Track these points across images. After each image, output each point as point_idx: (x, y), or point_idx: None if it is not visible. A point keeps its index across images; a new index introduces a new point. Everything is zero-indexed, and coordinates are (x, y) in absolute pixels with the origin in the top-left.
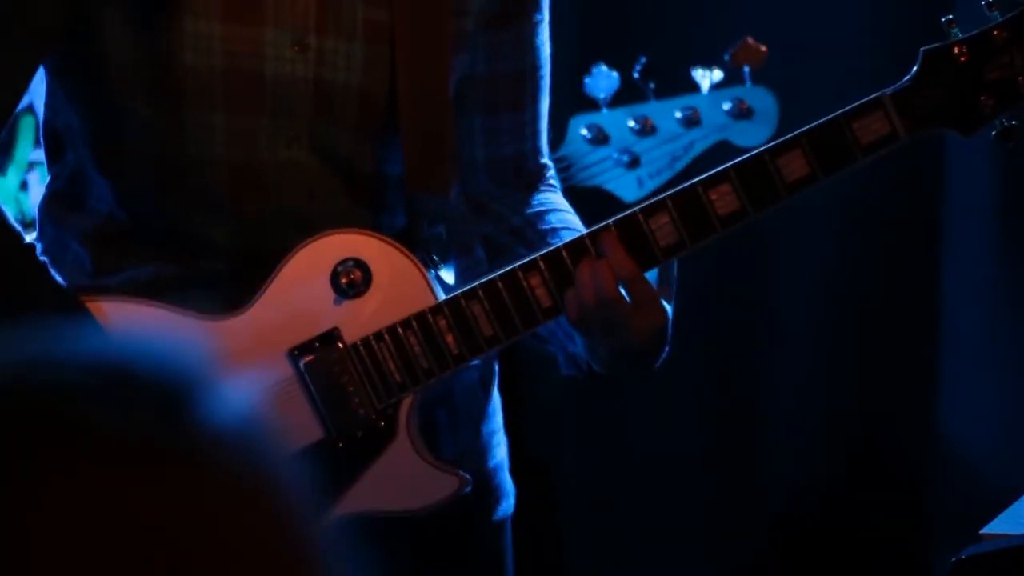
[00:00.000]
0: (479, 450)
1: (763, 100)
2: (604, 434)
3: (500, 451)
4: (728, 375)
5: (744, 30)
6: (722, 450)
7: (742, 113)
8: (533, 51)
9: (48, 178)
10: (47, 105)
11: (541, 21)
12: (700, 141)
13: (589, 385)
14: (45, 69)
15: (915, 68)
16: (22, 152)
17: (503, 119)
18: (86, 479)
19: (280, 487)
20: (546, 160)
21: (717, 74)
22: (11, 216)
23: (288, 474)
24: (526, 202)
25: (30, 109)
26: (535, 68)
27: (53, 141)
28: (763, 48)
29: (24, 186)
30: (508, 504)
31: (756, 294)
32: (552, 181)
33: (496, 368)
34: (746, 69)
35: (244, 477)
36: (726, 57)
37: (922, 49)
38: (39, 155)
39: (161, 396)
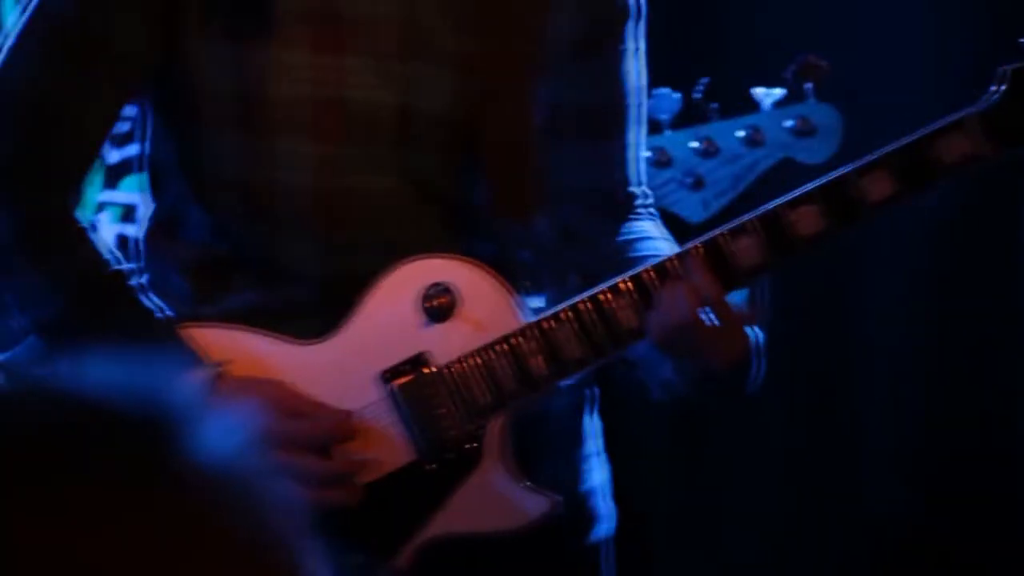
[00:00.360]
0: (571, 474)
1: (827, 116)
2: (698, 460)
3: (595, 475)
4: (822, 399)
5: (806, 47)
6: (818, 475)
7: (805, 130)
8: (621, 80)
9: (150, 211)
10: (148, 140)
11: (629, 50)
12: (763, 160)
13: (681, 412)
14: (145, 104)
15: (1002, 87)
16: (90, 194)
17: (592, 148)
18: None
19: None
20: (637, 189)
21: (779, 92)
22: (102, 243)
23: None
24: (617, 230)
25: None
26: (623, 97)
27: (154, 174)
28: (824, 64)
29: (93, 227)
30: (603, 528)
31: (842, 315)
32: (644, 209)
33: (593, 392)
34: (808, 86)
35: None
36: (788, 75)
37: (1009, 68)
38: (109, 196)
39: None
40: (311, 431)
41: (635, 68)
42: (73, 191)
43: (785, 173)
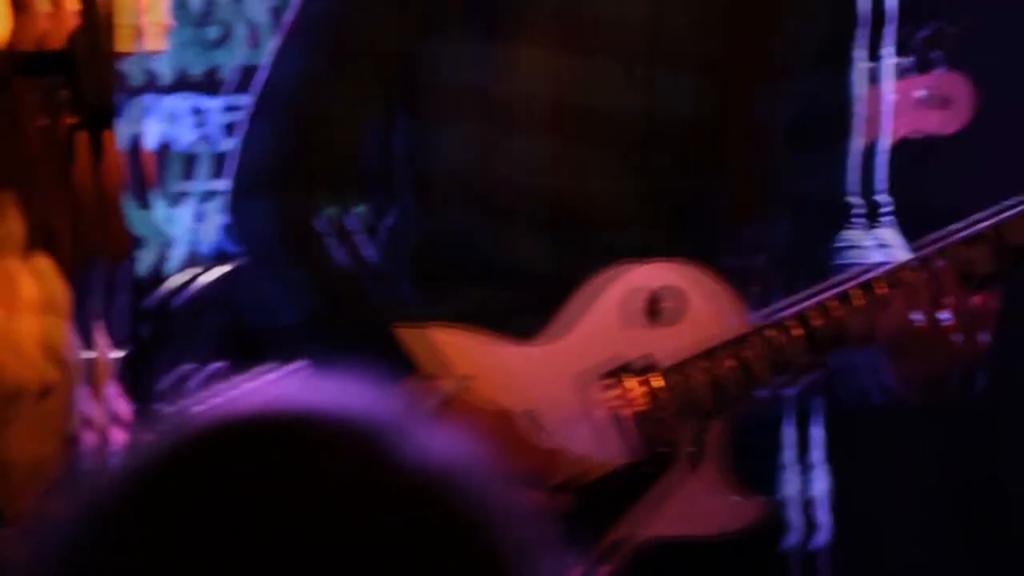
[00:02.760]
0: (767, 482)
1: (957, 87)
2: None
3: (790, 485)
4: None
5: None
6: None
7: (937, 101)
8: (851, 90)
9: (387, 214)
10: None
11: (861, 58)
12: (893, 132)
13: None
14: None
15: None
16: (199, 183)
17: (834, 157)
18: None
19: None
20: (883, 197)
21: (906, 63)
22: (357, 246)
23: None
24: (835, 238)
25: (208, 139)
26: (851, 106)
27: (385, 176)
28: (951, 31)
29: (200, 216)
30: (823, 536)
31: None
32: (866, 218)
33: (808, 402)
34: (936, 55)
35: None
36: (915, 44)
37: None
38: (216, 185)
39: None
40: (538, 465)
41: (864, 78)
42: (340, 193)
43: None
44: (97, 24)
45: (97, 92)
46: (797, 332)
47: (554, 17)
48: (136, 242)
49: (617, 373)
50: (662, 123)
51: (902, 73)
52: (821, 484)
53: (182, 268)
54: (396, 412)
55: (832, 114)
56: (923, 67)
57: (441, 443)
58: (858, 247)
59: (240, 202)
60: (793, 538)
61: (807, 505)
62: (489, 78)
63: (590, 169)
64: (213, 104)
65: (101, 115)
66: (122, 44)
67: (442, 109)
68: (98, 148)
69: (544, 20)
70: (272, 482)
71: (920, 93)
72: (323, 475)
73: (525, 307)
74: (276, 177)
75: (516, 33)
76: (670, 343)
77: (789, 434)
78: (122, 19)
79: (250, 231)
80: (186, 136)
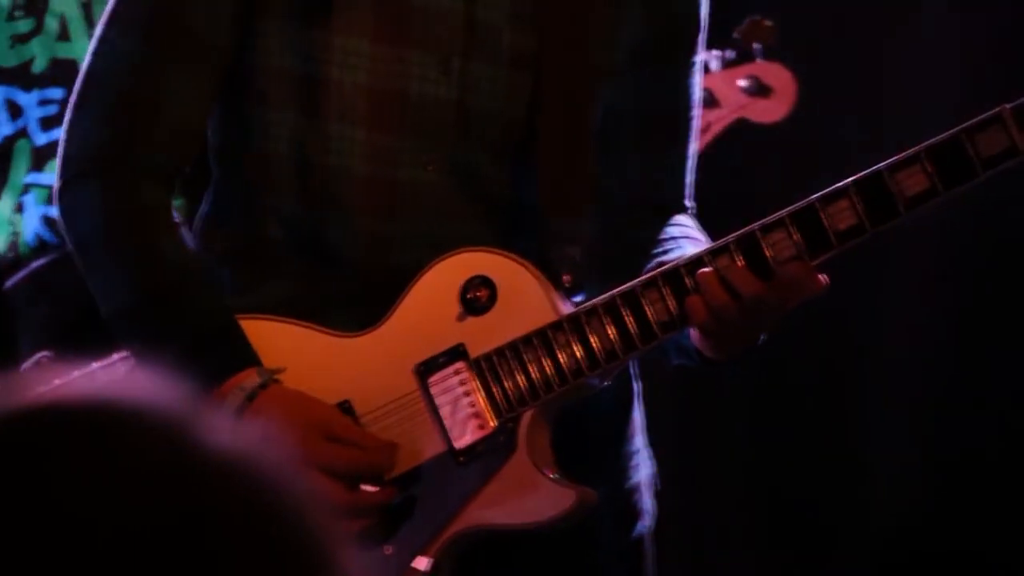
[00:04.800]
0: (616, 470)
1: (779, 76)
2: (703, 447)
3: (640, 471)
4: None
5: (755, 9)
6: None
7: (759, 90)
8: (686, 93)
9: (202, 203)
10: (210, 127)
11: (697, 64)
12: (718, 121)
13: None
14: None
15: None
16: (16, 176)
17: (649, 158)
18: None
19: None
20: (690, 203)
21: (728, 54)
22: (181, 237)
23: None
24: (664, 231)
25: (24, 132)
26: (687, 110)
27: (211, 160)
28: (769, 24)
29: (20, 208)
30: (647, 523)
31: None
32: (692, 215)
33: (636, 388)
34: (757, 46)
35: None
36: (735, 35)
37: None
38: (35, 178)
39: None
40: (346, 459)
41: (698, 81)
42: (166, 183)
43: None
44: None
45: None
46: (602, 319)
47: (373, 5)
48: None
49: (430, 363)
50: (476, 115)
51: (726, 64)
52: (646, 470)
53: (3, 260)
54: (199, 402)
55: (666, 116)
56: (744, 58)
57: (241, 434)
58: (669, 239)
59: (65, 192)
60: (635, 526)
61: (632, 491)
62: (308, 64)
63: (404, 158)
64: (28, 98)
65: None
66: None
67: (261, 94)
68: None
69: (363, 8)
70: (68, 467)
71: (742, 82)
72: (121, 461)
73: (337, 299)
74: (100, 166)
75: (335, 20)
76: (481, 331)
77: (632, 421)
78: None
79: (74, 221)
80: (2, 130)
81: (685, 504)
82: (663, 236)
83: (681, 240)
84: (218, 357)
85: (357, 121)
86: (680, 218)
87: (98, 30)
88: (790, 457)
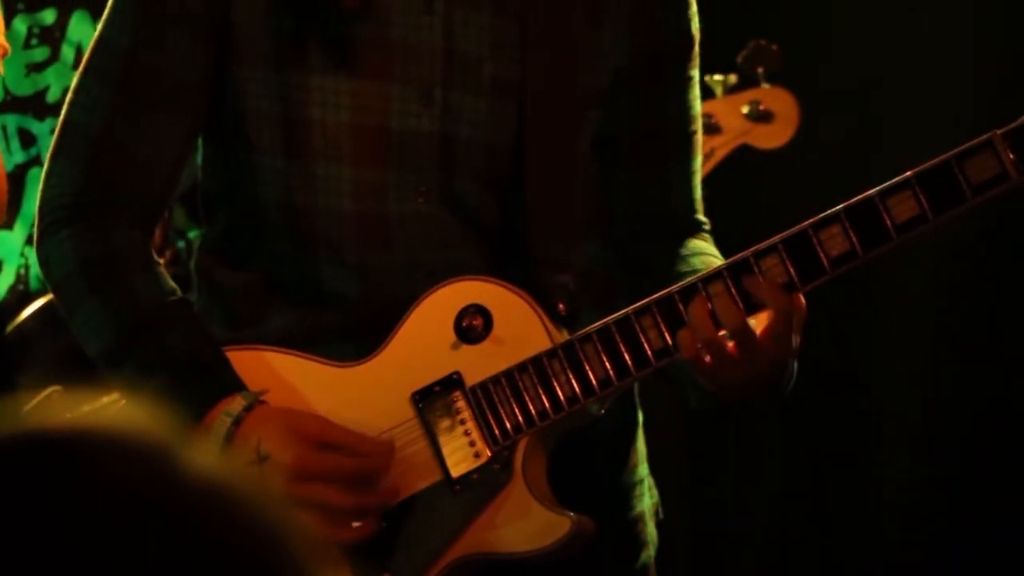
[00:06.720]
0: (619, 500)
1: (782, 101)
2: (711, 456)
3: (643, 502)
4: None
5: (759, 33)
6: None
7: (761, 116)
8: (680, 108)
9: (201, 240)
10: (201, 168)
11: (691, 79)
12: (721, 147)
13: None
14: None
15: None
16: (29, 206)
17: (649, 175)
18: None
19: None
20: (700, 216)
21: (732, 79)
22: (158, 275)
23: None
24: (674, 252)
25: (38, 161)
26: (684, 125)
27: (205, 203)
28: (775, 48)
29: (31, 240)
30: (650, 552)
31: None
32: (705, 231)
33: (639, 418)
34: (759, 72)
35: None
36: (738, 61)
37: None
38: None
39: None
40: (344, 465)
41: (696, 95)
42: (141, 225)
43: (744, 159)
44: None
45: None
46: (596, 346)
47: (349, 42)
48: None
49: (426, 391)
50: (460, 145)
51: (729, 90)
52: (648, 499)
53: (13, 292)
54: (184, 431)
55: (664, 131)
56: (748, 83)
57: (229, 459)
58: (691, 255)
59: (41, 242)
60: (639, 556)
61: (635, 522)
62: (288, 106)
63: (392, 193)
64: (41, 127)
65: None
66: None
67: (245, 137)
68: None
69: (339, 45)
70: (43, 493)
71: (744, 108)
72: (97, 488)
73: (333, 331)
74: (75, 212)
75: (311, 59)
76: (476, 360)
77: (635, 451)
78: None
79: (50, 270)
80: (15, 158)
81: (690, 533)
82: (685, 254)
83: (692, 259)
84: (201, 387)
85: (342, 159)
86: (695, 242)
87: (75, 79)
88: (798, 485)
